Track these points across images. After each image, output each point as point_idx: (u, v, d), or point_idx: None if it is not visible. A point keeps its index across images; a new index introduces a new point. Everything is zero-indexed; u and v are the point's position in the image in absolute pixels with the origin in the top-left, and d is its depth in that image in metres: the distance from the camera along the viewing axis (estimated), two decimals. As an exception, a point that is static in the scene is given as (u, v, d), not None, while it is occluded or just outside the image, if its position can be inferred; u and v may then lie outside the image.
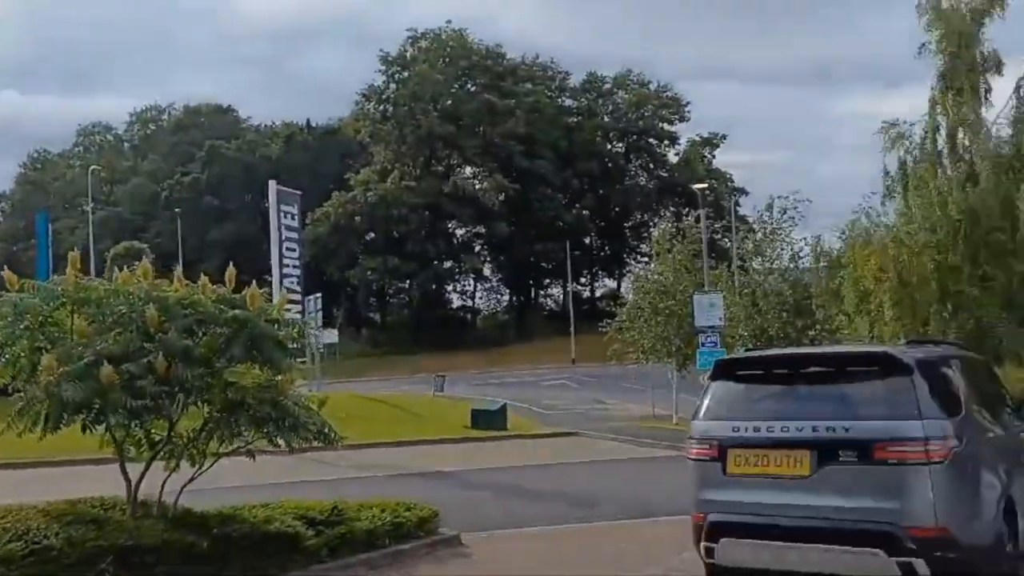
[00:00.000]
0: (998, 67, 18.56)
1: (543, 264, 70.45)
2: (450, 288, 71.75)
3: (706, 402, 6.28)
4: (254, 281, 7.57)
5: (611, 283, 74.46)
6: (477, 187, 65.80)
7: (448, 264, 68.54)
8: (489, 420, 23.57)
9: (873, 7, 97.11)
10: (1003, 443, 6.38)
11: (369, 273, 64.01)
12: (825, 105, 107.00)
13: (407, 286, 67.55)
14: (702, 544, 5.96)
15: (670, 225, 26.03)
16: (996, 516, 5.64)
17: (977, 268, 17.78)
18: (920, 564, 5.20)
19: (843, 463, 5.45)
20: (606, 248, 75.88)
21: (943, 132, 19.08)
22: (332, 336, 64.15)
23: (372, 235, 67.17)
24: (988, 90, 18.67)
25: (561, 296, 73.20)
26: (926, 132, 19.16)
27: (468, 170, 69.32)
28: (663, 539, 8.64)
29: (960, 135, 18.90)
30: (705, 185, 18.13)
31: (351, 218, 64.12)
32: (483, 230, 67.25)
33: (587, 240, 73.91)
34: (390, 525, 8.34)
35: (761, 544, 5.71)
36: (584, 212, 69.00)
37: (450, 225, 69.01)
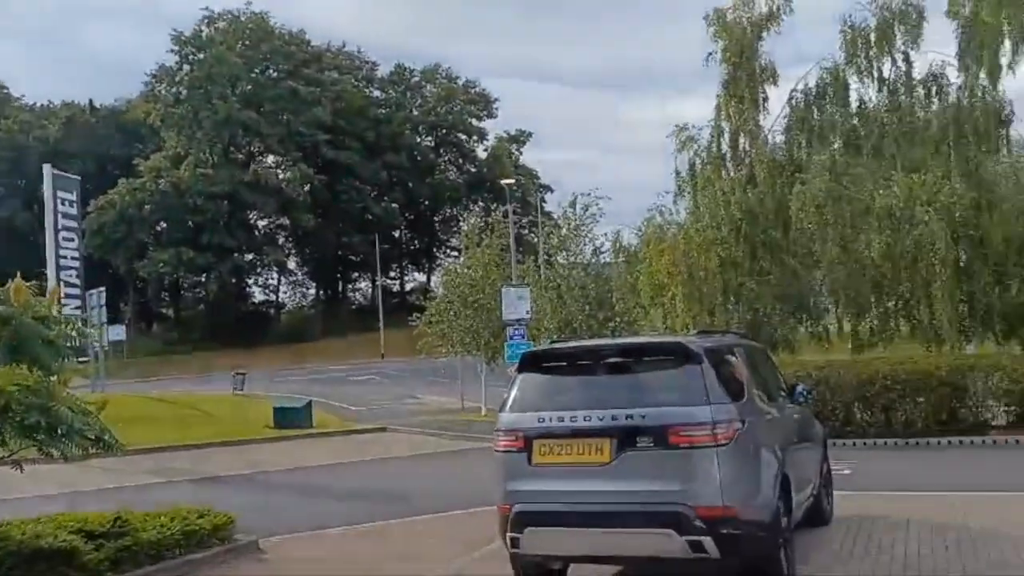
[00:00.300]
0: (774, 78, 20.23)
1: (351, 257, 69.24)
2: (251, 282, 68.96)
3: (512, 394, 6.34)
4: (18, 273, 6.80)
5: (421, 277, 74.52)
6: (280, 177, 63.48)
7: (249, 257, 65.75)
8: (293, 418, 22.80)
9: (667, 17, 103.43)
10: (779, 424, 6.90)
11: (161, 266, 60.04)
12: (624, 108, 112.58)
13: (204, 280, 64.03)
14: (508, 534, 6.01)
15: (479, 219, 26.31)
16: (774, 493, 6.08)
17: (755, 263, 19.29)
18: (708, 542, 5.51)
19: (640, 449, 5.67)
20: (416, 242, 75.82)
21: (727, 137, 20.54)
22: (119, 333, 59.64)
23: (164, 225, 63.04)
24: (765, 99, 20.31)
25: (370, 290, 72.29)
26: (712, 136, 20.54)
27: (270, 159, 66.76)
28: (470, 531, 8.68)
29: (742, 140, 20.41)
30: (512, 181, 18.52)
31: (140, 207, 59.87)
32: (287, 222, 65.09)
33: (396, 233, 73.47)
34: (180, 534, 7.83)
35: (564, 531, 5.84)
36: (393, 205, 68.46)
37: (251, 216, 66.20)
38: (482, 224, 25.75)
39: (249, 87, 63.80)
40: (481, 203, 68.01)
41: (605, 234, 23.03)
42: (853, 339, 19.29)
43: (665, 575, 6.69)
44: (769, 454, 6.28)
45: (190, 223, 61.63)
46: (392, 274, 74.79)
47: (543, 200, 59.56)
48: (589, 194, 23.18)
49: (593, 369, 6.20)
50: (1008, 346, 17.72)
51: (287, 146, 63.38)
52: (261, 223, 67.76)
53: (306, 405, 23.51)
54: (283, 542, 8.99)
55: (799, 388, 8.09)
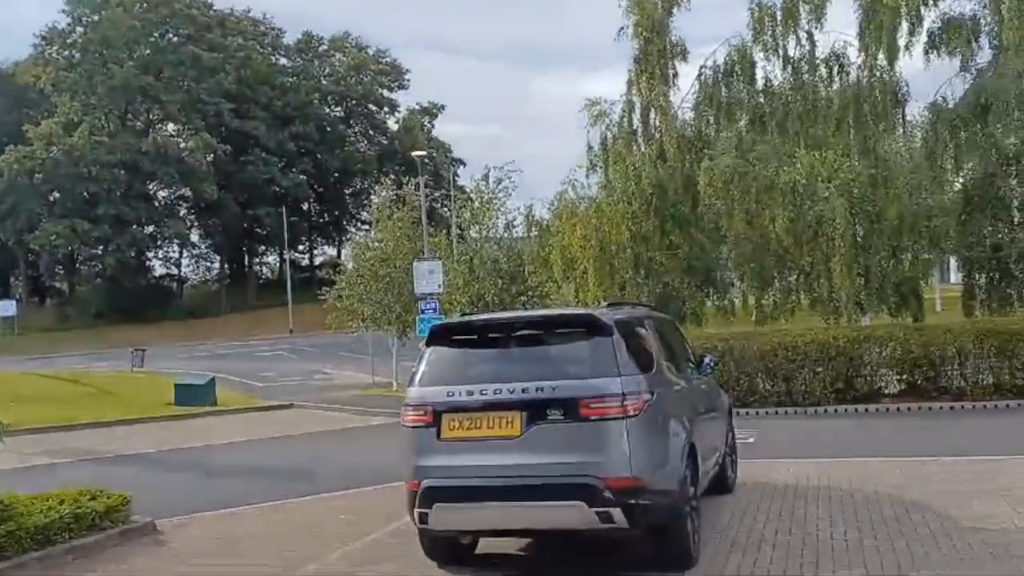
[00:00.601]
0: (684, 54, 20.48)
1: (257, 230, 67.36)
2: (152, 255, 66.34)
3: (421, 368, 6.19)
4: None
5: (331, 251, 73.22)
6: (182, 146, 61.08)
7: (150, 229, 63.20)
8: (195, 395, 22.07)
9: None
10: (687, 395, 6.96)
11: (54, 238, 57.11)
12: (537, 83, 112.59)
13: (101, 253, 61.23)
14: (416, 510, 5.88)
15: (390, 192, 25.84)
16: (681, 463, 6.13)
17: (665, 237, 19.58)
18: (617, 513, 5.51)
19: (551, 422, 5.61)
20: (325, 215, 74.34)
21: (638, 112, 20.71)
22: (8, 308, 56.69)
23: (57, 195, 59.94)
24: (675, 75, 20.57)
25: (278, 264, 70.57)
26: (624, 111, 20.67)
27: (171, 127, 64.20)
28: (379, 508, 8.53)
29: (652, 115, 20.62)
30: (424, 153, 18.20)
31: (30, 175, 56.78)
32: (189, 193, 62.75)
33: (305, 206, 71.84)
34: (70, 517, 7.43)
35: (473, 506, 5.75)
36: (301, 177, 66.83)
37: (151, 186, 63.62)
38: (393, 196, 25.30)
39: (148, 52, 61.01)
40: (393, 176, 66.74)
41: (518, 208, 23.00)
42: (757, 312, 19.85)
43: (574, 545, 6.73)
44: (677, 425, 6.32)
45: (85, 193, 58.79)
46: (301, 248, 73.23)
47: (456, 174, 59.21)
48: (502, 167, 23.04)
49: (503, 342, 6.10)
50: (901, 317, 18.52)
51: (189, 114, 61.02)
52: (162, 194, 65.19)
53: (209, 382, 22.79)
54: (182, 523, 8.64)
55: (706, 359, 8.21)
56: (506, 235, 23.20)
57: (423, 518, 5.86)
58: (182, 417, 20.55)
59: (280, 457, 14.09)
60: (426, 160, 62.39)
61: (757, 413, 15.58)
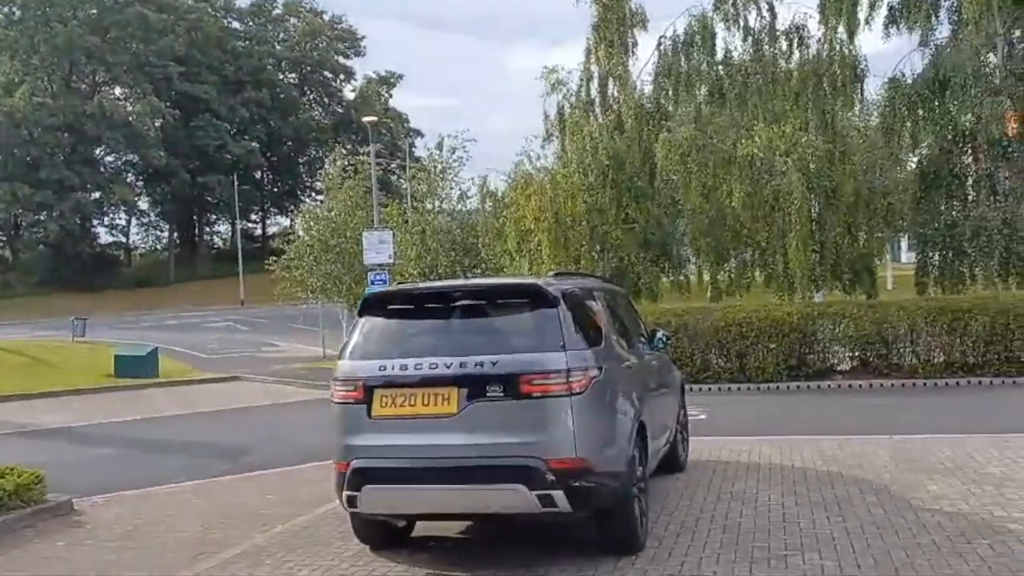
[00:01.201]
0: (644, 23, 20.02)
1: (208, 198, 65.73)
2: (98, 222, 64.32)
3: (353, 340, 5.73)
4: None
5: (285, 221, 71.74)
6: (128, 109, 59.12)
7: (95, 195, 61.21)
8: (136, 366, 21.35)
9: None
10: (637, 371, 6.61)
11: (-7, 203, 55.11)
12: (502, 57, 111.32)
13: (44, 219, 59.22)
14: (344, 493, 5.45)
15: (343, 159, 25.09)
16: (629, 443, 5.78)
17: (621, 211, 19.23)
18: (559, 496, 5.14)
19: (490, 398, 5.21)
20: (279, 184, 72.78)
21: (596, 81, 20.27)
22: (-56, 275, 54.59)
23: (-3, 158, 57.72)
24: (635, 44, 20.12)
25: (229, 233, 69.04)
26: (582, 80, 20.23)
27: (118, 90, 62.06)
28: (316, 486, 8.09)
29: (611, 85, 20.19)
30: (376, 119, 17.56)
31: (-32, 137, 54.53)
32: (136, 158, 60.85)
33: (258, 175, 70.24)
34: (-27, 497, 6.86)
35: (406, 489, 5.34)
36: (254, 144, 65.27)
37: (96, 151, 61.55)
38: (346, 164, 24.58)
39: (93, 11, 58.74)
40: (349, 145, 65.80)
41: (472, 178, 22.50)
42: (712, 287, 19.69)
43: (518, 527, 6.37)
44: (626, 402, 5.97)
45: (27, 157, 56.63)
46: (254, 218, 71.71)
47: (412, 145, 58.22)
48: (456, 136, 22.47)
49: (442, 313, 5.67)
50: (854, 295, 18.48)
51: (136, 77, 59.04)
52: (108, 159, 63.14)
53: (151, 352, 22.04)
54: (103, 503, 8.12)
55: (659, 334, 7.87)
56: (460, 206, 22.69)
57: (352, 501, 5.43)
58: (120, 389, 19.88)
59: (218, 432, 13.54)
60: (383, 131, 61.29)
61: (710, 389, 15.44)
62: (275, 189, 72.51)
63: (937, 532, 6.01)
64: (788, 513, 6.72)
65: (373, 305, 5.84)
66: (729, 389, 15.45)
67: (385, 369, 5.39)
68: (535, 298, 5.51)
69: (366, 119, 19.04)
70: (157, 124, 58.14)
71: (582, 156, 18.99)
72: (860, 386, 15.07)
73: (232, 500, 8.16)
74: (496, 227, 20.31)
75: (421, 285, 5.80)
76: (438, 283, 6.62)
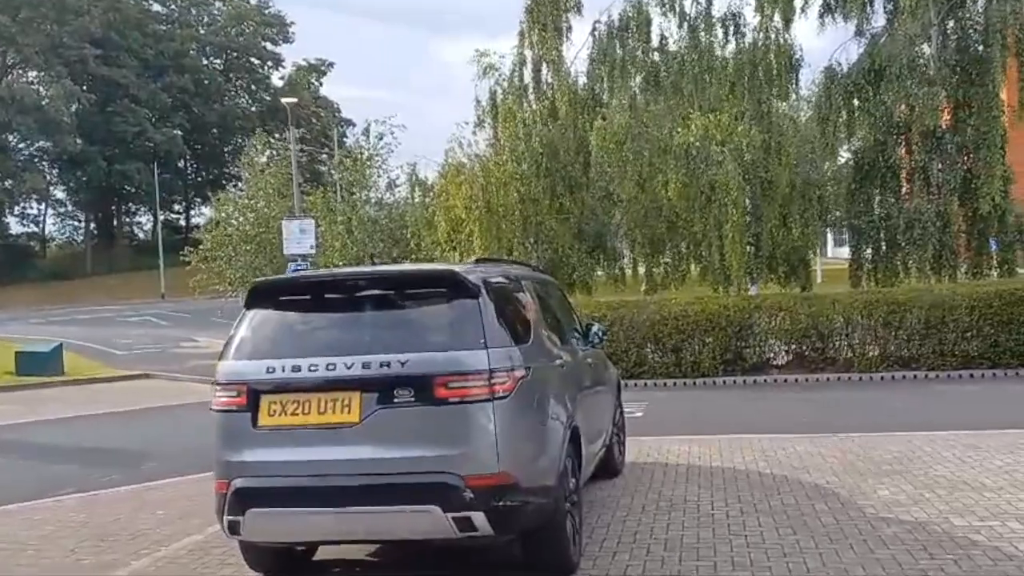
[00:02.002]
0: (578, 7, 19.43)
1: (127, 188, 63.00)
2: (9, 212, 60.98)
3: (237, 336, 4.89)
4: None
5: (209, 212, 69.28)
6: (41, 93, 56.15)
7: (6, 183, 58.01)
8: (39, 364, 19.85)
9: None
10: (571, 370, 5.94)
11: None
12: (440, 49, 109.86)
13: (-52, 208, 56.01)
14: (225, 518, 4.63)
15: (263, 143, 23.87)
16: (561, 452, 5.09)
17: (555, 201, 18.61)
18: (479, 518, 4.42)
19: (399, 405, 4.45)
20: (203, 173, 70.24)
21: (529, 66, 19.62)
22: None
23: None
24: (569, 28, 19.51)
25: (151, 224, 66.38)
26: (515, 65, 19.55)
27: (31, 74, 58.91)
28: (207, 503, 7.17)
29: (544, 70, 19.56)
30: (296, 100, 16.45)
31: None
32: (50, 145, 57.87)
33: (181, 164, 67.68)
34: None
35: (299, 513, 4.55)
36: (176, 132, 62.77)
37: (9, 138, 58.33)
38: (268, 150, 23.39)
39: (3, -12, 55.56)
40: (277, 134, 63.73)
41: (401, 167, 21.60)
42: (647, 279, 19.24)
43: (436, 549, 5.62)
44: (558, 406, 5.28)
45: (-70, 142, 53.40)
46: (177, 208, 69.11)
47: (344, 135, 56.65)
48: (384, 121, 21.51)
49: (343, 304, 4.87)
50: (789, 288, 18.23)
51: (49, 59, 56.04)
52: (19, 146, 59.91)
53: (55, 349, 20.54)
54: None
55: (594, 328, 7.21)
56: (389, 195, 21.77)
57: (234, 527, 4.61)
58: (20, 388, 18.43)
59: (115, 435, 12.43)
60: (313, 120, 59.59)
61: (646, 384, 14.96)
62: (199, 179, 69.96)
63: (895, 545, 5.48)
64: (734, 524, 6.14)
65: (262, 295, 5.00)
66: (665, 384, 14.99)
67: (274, 371, 4.58)
68: (452, 287, 4.77)
69: (285, 100, 17.98)
70: (72, 109, 55.34)
71: (515, 144, 18.32)
72: (796, 380, 14.75)
73: (116, 517, 7.21)
74: (426, 217, 19.48)
75: (319, 272, 4.92)
76: (340, 270, 5.79)
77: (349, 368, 4.49)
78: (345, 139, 55.15)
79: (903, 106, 17.38)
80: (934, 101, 16.81)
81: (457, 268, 4.83)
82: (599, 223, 19.49)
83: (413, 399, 4.43)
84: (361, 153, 21.55)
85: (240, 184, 23.36)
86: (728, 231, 16.51)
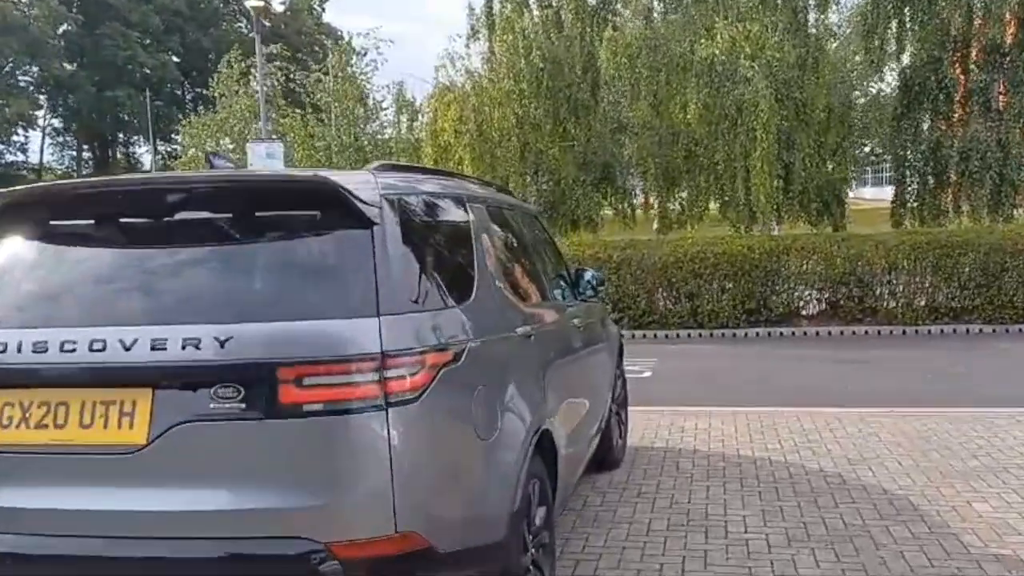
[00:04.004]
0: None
1: (119, 115, 60.48)
2: (-1, 139, 58.78)
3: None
4: None
5: (183, 140, 66.76)
6: (27, 13, 53.37)
7: (-9, 108, 55.60)
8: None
9: None
10: (546, 338, 3.95)
11: None
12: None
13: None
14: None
15: (239, 63, 21.58)
16: (520, 473, 3.12)
17: (558, 125, 16.43)
18: None
19: (215, 416, 2.47)
20: (200, 102, 67.57)
21: (531, -32, 17.23)
22: None
23: None
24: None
25: (148, 154, 64.11)
26: (515, -33, 17.15)
27: (16, -8, 55.96)
28: None
29: (548, -27, 17.19)
30: (261, 3, 14.35)
31: None
32: (36, 69, 55.32)
33: (179, 91, 64.98)
34: None
35: None
36: (170, 57, 59.88)
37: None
38: (242, 66, 21.12)
39: (-18, -100, 52.39)
40: (279, 62, 60.83)
41: (387, 86, 19.34)
42: (660, 217, 17.16)
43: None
44: (517, 400, 3.30)
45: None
46: (175, 137, 66.58)
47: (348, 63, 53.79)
48: (367, 34, 19.20)
49: (133, 235, 2.87)
50: (820, 227, 16.15)
51: (34, -23, 53.13)
52: (4, 69, 57.30)
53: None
54: None
55: (587, 276, 5.19)
56: (373, 118, 19.54)
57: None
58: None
59: None
60: (315, 48, 56.60)
61: (655, 336, 13.09)
62: (198, 107, 67.37)
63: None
64: (780, 562, 4.23)
65: (5, 219, 2.98)
66: (678, 336, 13.11)
67: (1, 349, 2.61)
68: (327, 208, 2.74)
69: (250, 3, 15.70)
70: (60, 31, 52.65)
71: (513, 59, 16.06)
72: (830, 333, 12.85)
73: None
74: (412, 143, 17.34)
75: (98, 179, 2.81)
76: (132, 176, 3.57)
77: (129, 348, 2.51)
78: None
79: (961, 17, 14.96)
80: (999, 11, 14.40)
81: (338, 176, 2.80)
82: (607, 152, 17.32)
83: (241, 405, 2.47)
84: (343, 70, 19.28)
85: (216, 107, 21.09)
86: (755, 160, 14.34)
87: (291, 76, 21.25)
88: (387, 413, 2.53)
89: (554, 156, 16.73)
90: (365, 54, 19.04)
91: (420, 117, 17.50)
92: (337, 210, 2.71)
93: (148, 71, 56.81)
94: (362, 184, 2.82)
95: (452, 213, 3.36)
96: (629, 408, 6.56)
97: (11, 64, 53.38)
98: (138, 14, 56.10)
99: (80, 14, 53.71)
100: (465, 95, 15.76)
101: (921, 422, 6.98)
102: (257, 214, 2.80)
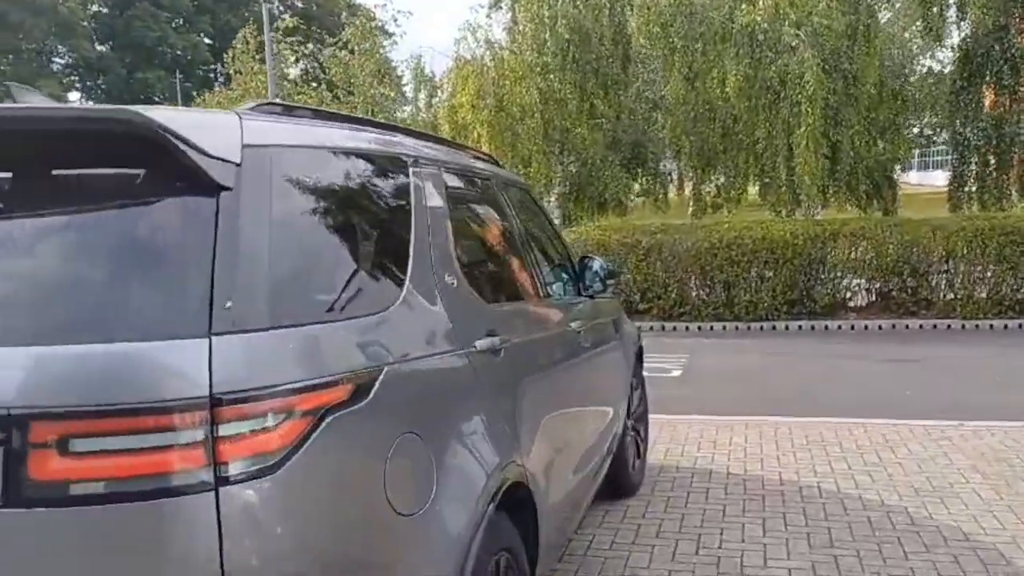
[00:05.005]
0: None
1: (151, 98, 60.30)
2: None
3: None
4: None
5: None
6: (56, -4, 53.26)
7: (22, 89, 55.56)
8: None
9: None
10: (527, 353, 2.93)
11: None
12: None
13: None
14: None
15: (254, 39, 20.73)
16: (464, 560, 2.11)
17: (585, 100, 15.32)
18: None
19: None
20: (230, 83, 67.33)
21: (559, -67, 16.03)
22: None
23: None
24: None
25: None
26: (541, -68, 15.97)
27: (47, -27, 55.81)
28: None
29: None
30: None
31: None
32: (66, 50, 55.23)
33: (211, 73, 64.66)
34: None
35: None
36: (200, 38, 59.49)
37: (20, 40, 55.60)
38: (257, 41, 20.26)
39: None
40: (311, 44, 60.15)
41: (405, 60, 18.36)
42: (695, 199, 16.00)
43: None
44: (470, 449, 2.31)
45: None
46: (207, 120, 66.43)
47: (381, 45, 52.90)
48: (383, 4, 18.22)
49: None
50: (868, 211, 14.90)
51: (65, -43, 52.89)
52: (33, 49, 57.31)
53: None
54: None
55: (594, 266, 4.14)
56: (389, 92, 18.55)
57: None
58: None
59: None
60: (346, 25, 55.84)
61: (687, 328, 12.05)
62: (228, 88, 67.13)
63: None
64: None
65: None
66: (712, 328, 12.05)
67: None
68: (152, 164, 1.76)
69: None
70: (90, 12, 52.43)
71: (537, 29, 14.96)
72: (880, 328, 11.71)
73: None
74: (430, 121, 16.35)
75: None
76: None
77: None
78: (383, 48, 51.52)
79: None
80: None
81: (171, 115, 1.80)
82: (638, 130, 16.21)
83: None
84: (358, 45, 18.31)
85: (232, 84, 20.26)
86: (799, 138, 13.13)
87: (306, 52, 20.30)
88: (217, 496, 1.55)
89: (581, 134, 15.66)
90: (382, 27, 18.06)
91: (439, 94, 16.49)
92: (163, 167, 1.73)
93: (179, 52, 56.51)
94: (211, 129, 1.83)
95: (377, 179, 2.36)
96: (651, 417, 5.56)
97: (43, 46, 53.31)
98: (168, -5, 55.79)
99: (109, -5, 53.53)
100: (484, 68, 14.71)
101: (999, 439, 5.90)
102: (36, 171, 1.82)
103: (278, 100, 2.47)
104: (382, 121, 2.99)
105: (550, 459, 2.97)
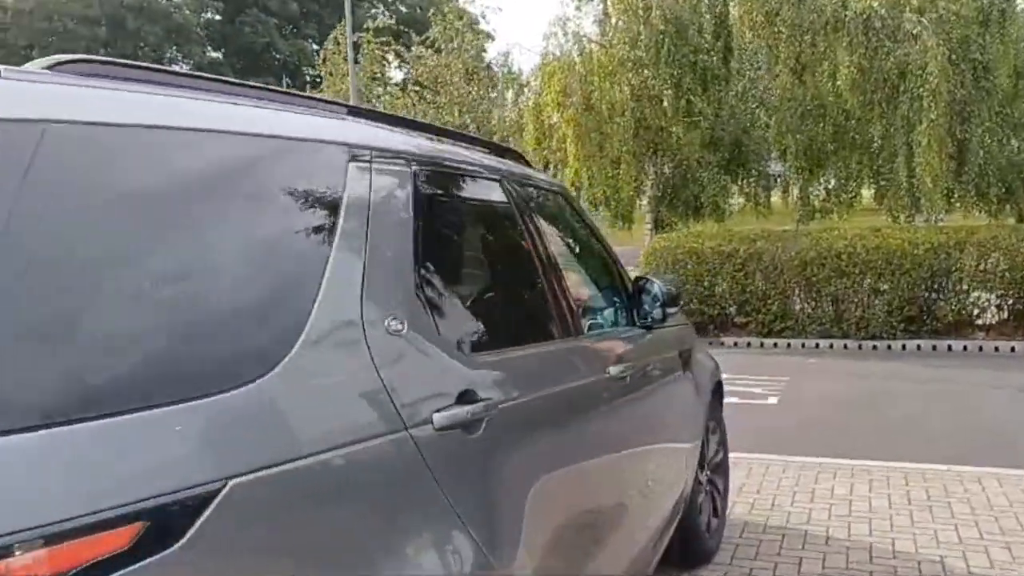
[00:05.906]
0: None
1: (260, 102, 62.14)
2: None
3: None
4: None
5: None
6: (170, 1, 55.37)
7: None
8: None
9: None
10: (532, 417, 2.13)
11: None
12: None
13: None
14: None
15: (340, 35, 20.50)
16: None
17: (680, 97, 14.28)
18: None
19: None
20: (323, 83, 68.66)
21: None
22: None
23: (34, 53, 55.08)
24: None
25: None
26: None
27: (162, -18, 58.27)
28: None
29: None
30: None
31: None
32: (179, 56, 57.36)
33: (318, 78, 66.19)
34: None
35: None
36: (311, 44, 60.80)
37: (135, 47, 58.11)
38: (338, 46, 20.03)
39: None
40: (413, 48, 60.64)
41: (493, 59, 17.73)
42: (801, 204, 14.74)
43: None
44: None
45: (59, 52, 53.65)
46: (312, 124, 68.01)
47: (483, 49, 52.76)
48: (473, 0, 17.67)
49: None
50: (1000, 218, 13.35)
51: (179, -33, 55.02)
52: (149, 56, 59.85)
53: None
54: None
55: (653, 290, 3.27)
56: (479, 93, 17.95)
57: None
58: None
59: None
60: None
61: (789, 346, 10.93)
62: (334, 94, 68.52)
63: None
64: None
65: None
66: (817, 347, 10.89)
67: None
68: None
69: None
70: (201, 18, 54.31)
71: (630, 21, 14.03)
72: (1013, 349, 10.37)
73: None
74: (516, 120, 15.64)
75: None
76: None
77: None
78: (483, 52, 51.36)
79: None
80: None
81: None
82: (739, 128, 15.04)
83: None
84: (445, 44, 17.77)
85: (378, 100, 20.01)
86: (921, 136, 11.77)
87: (395, 53, 19.96)
88: None
89: (675, 133, 14.64)
90: (472, 24, 17.46)
91: (525, 92, 15.78)
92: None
93: (286, 57, 57.92)
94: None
95: (276, 175, 1.60)
96: (737, 456, 4.67)
97: (156, 52, 55.51)
98: (276, 1, 57.21)
99: (220, 1, 55.19)
100: (571, 64, 13.88)
101: None
102: None
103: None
104: (321, 97, 2.24)
105: (565, 553, 2.16)
